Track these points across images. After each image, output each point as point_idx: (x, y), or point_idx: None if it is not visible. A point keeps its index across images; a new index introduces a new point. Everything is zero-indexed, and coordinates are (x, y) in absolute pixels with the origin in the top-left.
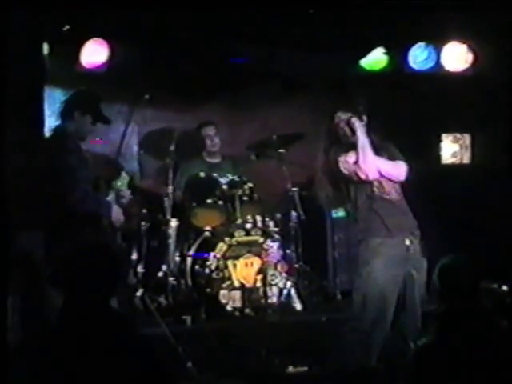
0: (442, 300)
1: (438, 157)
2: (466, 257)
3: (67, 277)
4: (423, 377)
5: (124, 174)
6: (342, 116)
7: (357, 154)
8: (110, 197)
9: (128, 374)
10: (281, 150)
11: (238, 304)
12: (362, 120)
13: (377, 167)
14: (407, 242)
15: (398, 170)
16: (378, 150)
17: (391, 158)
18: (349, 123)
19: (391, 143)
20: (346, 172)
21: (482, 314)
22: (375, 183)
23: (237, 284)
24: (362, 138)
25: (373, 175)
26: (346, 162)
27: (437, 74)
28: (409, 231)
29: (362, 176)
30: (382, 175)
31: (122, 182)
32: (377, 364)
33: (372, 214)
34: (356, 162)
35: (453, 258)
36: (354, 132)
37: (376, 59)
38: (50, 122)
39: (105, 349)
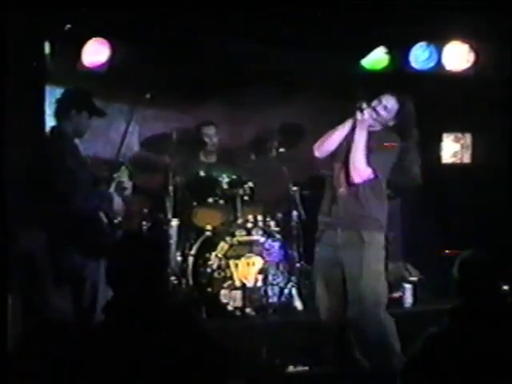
0: (460, 295)
1: (439, 156)
2: (488, 252)
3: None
4: (428, 365)
5: (123, 168)
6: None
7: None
8: (111, 188)
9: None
10: (281, 150)
11: (239, 304)
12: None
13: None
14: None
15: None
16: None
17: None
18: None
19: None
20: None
21: (499, 313)
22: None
23: (238, 283)
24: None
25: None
26: None
27: (438, 73)
28: (353, 224)
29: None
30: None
31: (122, 174)
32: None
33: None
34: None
35: (473, 253)
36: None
37: (377, 59)
38: (51, 121)
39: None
